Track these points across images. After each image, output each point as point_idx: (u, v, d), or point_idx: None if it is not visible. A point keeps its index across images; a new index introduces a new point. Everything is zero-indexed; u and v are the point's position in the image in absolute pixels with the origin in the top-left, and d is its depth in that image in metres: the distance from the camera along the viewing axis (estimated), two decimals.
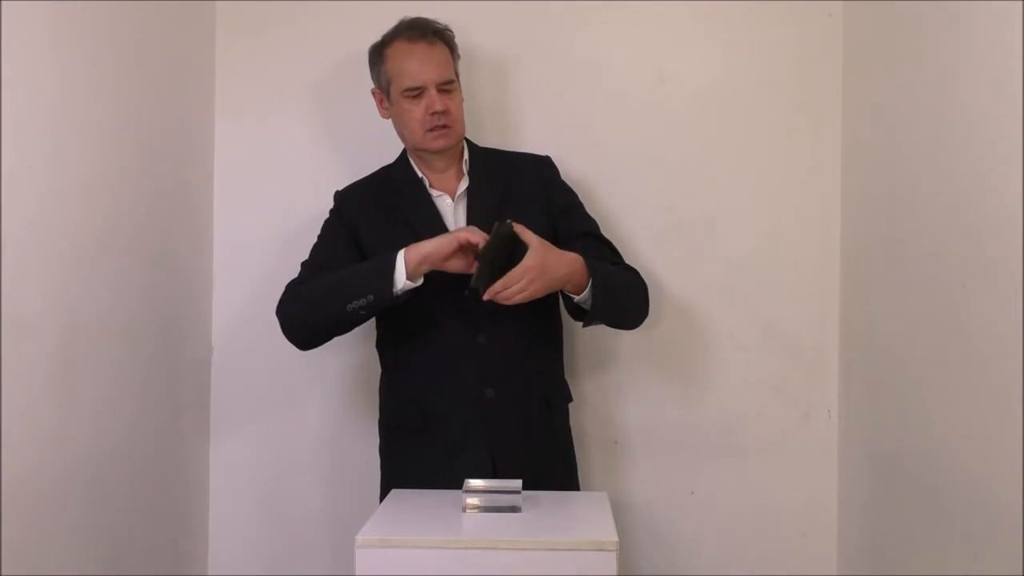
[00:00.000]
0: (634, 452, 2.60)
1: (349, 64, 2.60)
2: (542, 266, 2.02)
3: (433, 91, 2.21)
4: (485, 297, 1.99)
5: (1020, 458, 1.66)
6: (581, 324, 2.21)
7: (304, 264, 2.28)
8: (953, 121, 1.93)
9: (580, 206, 2.36)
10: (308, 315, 2.18)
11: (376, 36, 2.57)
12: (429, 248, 2.05)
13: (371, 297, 2.06)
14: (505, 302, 2.01)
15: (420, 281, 2.06)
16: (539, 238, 2.05)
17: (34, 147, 1.84)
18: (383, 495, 2.22)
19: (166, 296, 2.40)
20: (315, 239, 2.58)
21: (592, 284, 2.09)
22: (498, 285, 1.98)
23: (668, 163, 2.59)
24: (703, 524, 2.59)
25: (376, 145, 2.57)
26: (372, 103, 2.60)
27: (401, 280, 2.05)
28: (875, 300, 2.36)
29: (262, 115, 2.62)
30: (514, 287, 1.99)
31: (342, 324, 2.15)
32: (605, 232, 2.36)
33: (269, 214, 2.62)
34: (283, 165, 2.62)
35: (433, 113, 2.21)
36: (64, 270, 1.95)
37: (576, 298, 2.12)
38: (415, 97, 2.22)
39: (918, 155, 2.11)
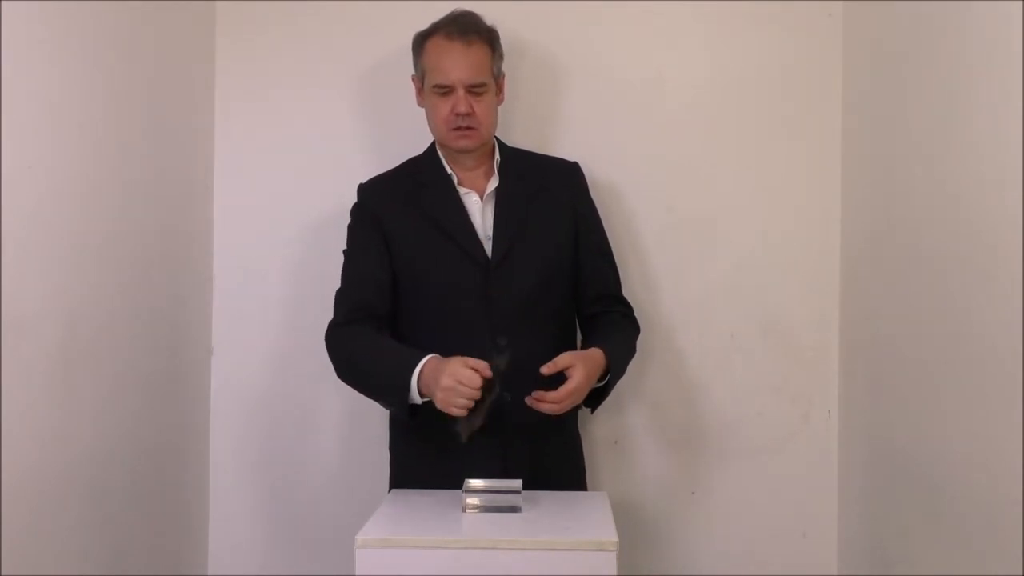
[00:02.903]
0: (634, 452, 2.60)
1: (349, 64, 2.61)
2: (588, 380, 2.10)
3: (461, 91, 2.20)
4: (531, 401, 2.06)
5: (1020, 458, 1.66)
6: (590, 411, 2.29)
7: (338, 294, 2.26)
8: (953, 121, 1.93)
9: (600, 222, 2.38)
10: (350, 381, 2.21)
11: (375, 36, 2.59)
12: (435, 390, 2.00)
13: (391, 408, 2.15)
14: (556, 413, 2.08)
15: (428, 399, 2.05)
16: (576, 354, 2.12)
17: (34, 147, 1.84)
18: None
19: (166, 296, 2.40)
20: (315, 239, 2.59)
21: (611, 375, 2.18)
22: (552, 396, 2.05)
23: (668, 163, 2.59)
24: (703, 524, 2.59)
25: (377, 144, 2.58)
26: (372, 103, 2.62)
27: (415, 398, 2.05)
28: (875, 300, 2.36)
29: (262, 115, 2.62)
30: (567, 401, 2.07)
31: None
32: (606, 229, 2.40)
33: (269, 214, 2.62)
34: (283, 165, 2.61)
35: (458, 114, 2.20)
36: (64, 270, 1.95)
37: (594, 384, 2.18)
38: (444, 95, 2.22)
39: (918, 155, 2.11)
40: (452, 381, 1.95)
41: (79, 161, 2.00)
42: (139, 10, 2.23)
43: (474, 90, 2.21)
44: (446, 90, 2.21)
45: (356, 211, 2.31)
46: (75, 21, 1.98)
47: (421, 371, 2.02)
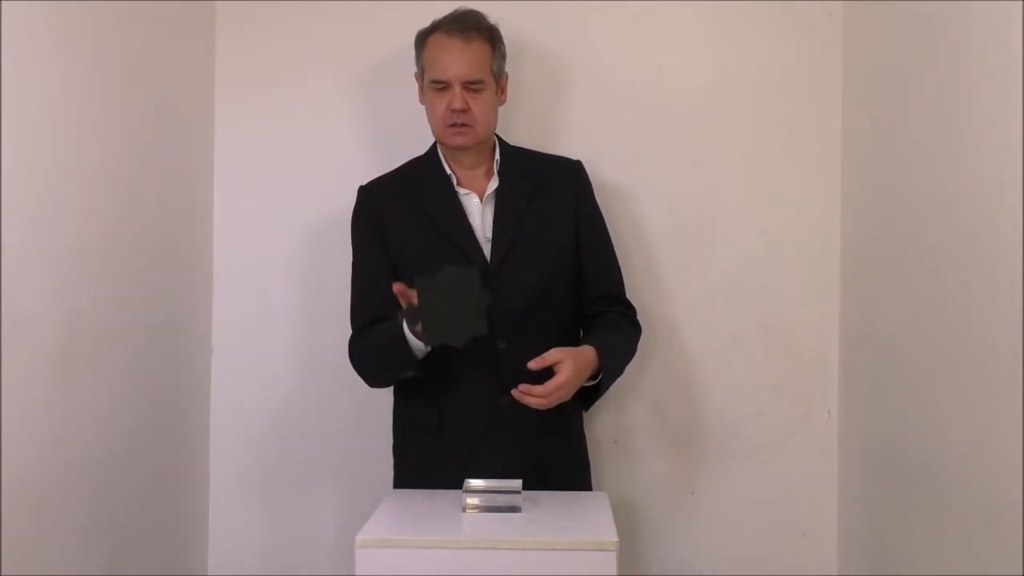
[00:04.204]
0: (634, 452, 2.60)
1: (350, 64, 2.61)
2: (577, 376, 2.09)
3: (457, 88, 2.19)
4: (517, 394, 2.05)
5: (1020, 458, 1.66)
6: (583, 410, 2.32)
7: (351, 308, 2.27)
8: (953, 121, 1.93)
9: (602, 222, 2.37)
10: (379, 380, 2.28)
11: (376, 36, 2.59)
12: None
13: (410, 372, 2.14)
14: (542, 408, 2.07)
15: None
16: (565, 350, 2.09)
17: (34, 147, 1.84)
18: None
19: (166, 296, 2.40)
20: (315, 238, 2.59)
21: (604, 374, 2.18)
22: (538, 390, 2.04)
23: (669, 163, 2.59)
24: (703, 524, 2.59)
25: (377, 144, 2.58)
26: (372, 102, 2.62)
27: (418, 349, 2.08)
28: (875, 300, 2.36)
29: (262, 115, 2.62)
30: (554, 396, 2.06)
31: (409, 378, 2.19)
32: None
33: (269, 214, 2.62)
34: (284, 165, 2.61)
35: (453, 110, 2.20)
36: (64, 270, 1.95)
37: (586, 384, 2.17)
38: (440, 90, 2.21)
39: (918, 155, 2.11)
40: None
41: (79, 161, 2.00)
42: (139, 10, 2.23)
43: (471, 86, 2.20)
44: (443, 85, 2.21)
45: (357, 213, 2.31)
46: (75, 21, 1.98)
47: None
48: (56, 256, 1.92)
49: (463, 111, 2.19)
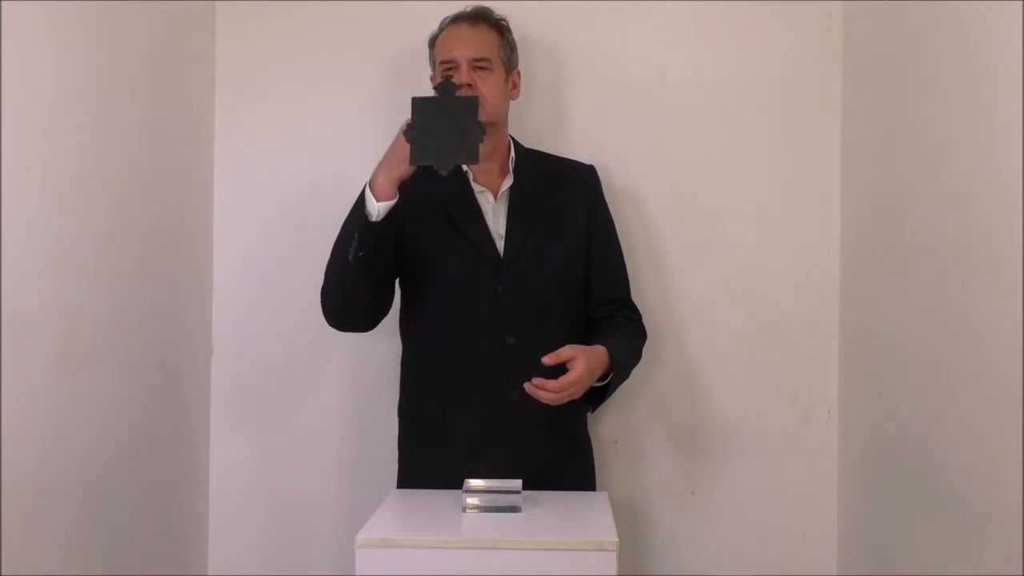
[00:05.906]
0: (634, 452, 2.60)
1: (350, 63, 2.61)
2: (589, 374, 2.09)
3: (464, 66, 2.21)
4: (530, 388, 2.03)
5: (1020, 458, 1.66)
6: (590, 410, 2.31)
7: None
8: (953, 121, 1.93)
9: (613, 227, 2.37)
10: (331, 289, 2.18)
11: (376, 35, 2.59)
12: (384, 163, 2.05)
13: (357, 235, 2.07)
14: (553, 404, 2.06)
15: (396, 198, 2.04)
16: (579, 347, 2.09)
17: (34, 147, 1.84)
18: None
19: (166, 296, 2.40)
20: (315, 238, 2.57)
21: (613, 376, 2.17)
22: (552, 385, 2.02)
23: (668, 163, 2.59)
24: (703, 524, 2.59)
25: (378, 144, 2.56)
26: (371, 103, 2.61)
27: (373, 206, 2.04)
28: (875, 300, 2.36)
29: (262, 115, 2.62)
30: (566, 392, 2.05)
31: (357, 278, 2.12)
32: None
33: (269, 214, 2.62)
34: (283, 165, 2.61)
35: (460, 86, 2.19)
36: (64, 270, 1.95)
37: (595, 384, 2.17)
38: (449, 71, 2.23)
39: (918, 155, 2.11)
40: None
41: (79, 161, 2.00)
42: (139, 10, 2.23)
43: (478, 64, 2.22)
44: (450, 65, 2.23)
45: None
46: (75, 21, 1.98)
47: (371, 185, 2.05)
48: (56, 256, 1.92)
49: (469, 86, 2.19)
